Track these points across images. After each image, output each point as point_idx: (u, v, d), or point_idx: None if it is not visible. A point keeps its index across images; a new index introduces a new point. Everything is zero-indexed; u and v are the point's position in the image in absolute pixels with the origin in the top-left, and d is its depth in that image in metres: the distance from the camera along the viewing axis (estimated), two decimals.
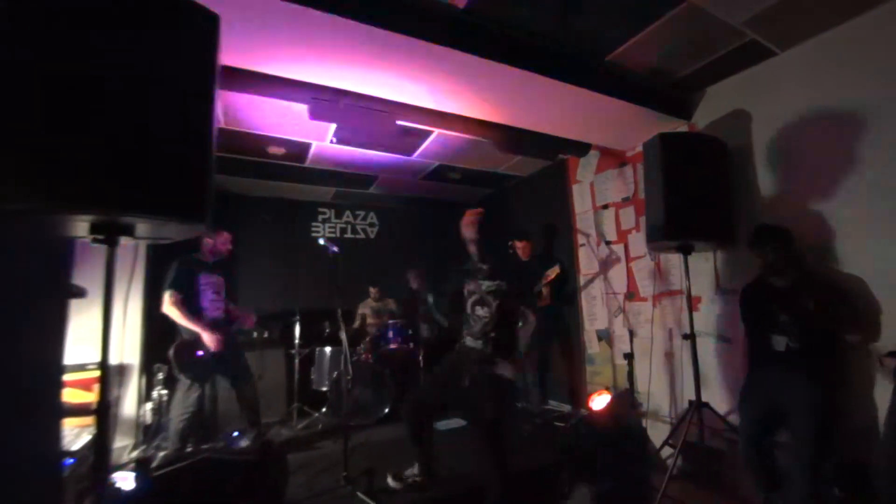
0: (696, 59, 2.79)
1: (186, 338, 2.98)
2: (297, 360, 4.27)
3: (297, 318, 4.28)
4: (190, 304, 3.00)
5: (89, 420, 2.62)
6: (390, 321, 4.57)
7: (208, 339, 2.96)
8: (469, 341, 2.45)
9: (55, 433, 1.79)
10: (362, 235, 6.07)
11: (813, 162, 2.58)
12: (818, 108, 2.56)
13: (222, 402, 3.53)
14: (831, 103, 2.50)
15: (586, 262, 4.21)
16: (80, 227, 1.17)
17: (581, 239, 4.29)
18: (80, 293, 1.91)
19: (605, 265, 3.99)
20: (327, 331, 4.38)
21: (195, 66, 1.23)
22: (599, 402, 3.29)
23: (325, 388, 4.22)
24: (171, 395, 3.33)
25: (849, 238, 2.40)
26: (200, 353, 2.97)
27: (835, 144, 2.47)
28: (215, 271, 3.24)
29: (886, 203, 2.24)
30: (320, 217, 5.79)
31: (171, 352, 2.92)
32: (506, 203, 5.55)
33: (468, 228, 2.41)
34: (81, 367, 2.98)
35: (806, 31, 2.52)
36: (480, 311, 2.41)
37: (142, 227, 1.21)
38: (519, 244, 4.09)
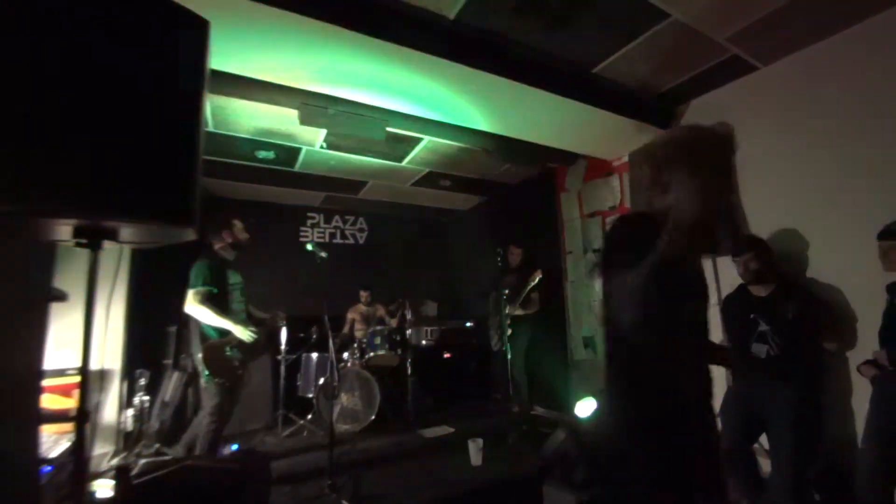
0: (680, 73, 2.86)
1: (214, 340, 2.76)
2: (283, 367, 4.23)
3: (284, 323, 4.24)
4: (220, 304, 2.78)
5: (68, 426, 2.56)
6: (377, 327, 4.55)
7: (242, 333, 2.76)
8: None
9: (33, 440, 1.75)
10: (351, 241, 6.05)
11: (792, 174, 2.65)
12: (797, 122, 2.63)
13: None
14: (810, 117, 2.57)
15: (574, 270, 4.25)
16: (63, 231, 1.15)
17: (568, 246, 4.34)
18: (61, 297, 1.88)
19: (592, 272, 4.03)
20: (314, 337, 4.34)
21: (184, 71, 1.23)
22: (585, 408, 3.30)
23: (311, 395, 4.19)
24: (178, 400, 3.20)
25: (826, 249, 2.47)
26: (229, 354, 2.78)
27: (813, 158, 2.54)
28: (238, 270, 3.02)
29: (861, 216, 2.30)
30: (309, 222, 5.77)
31: (199, 355, 2.70)
32: (496, 211, 5.59)
33: None
34: (61, 373, 2.90)
35: (787, 47, 2.60)
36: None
37: (126, 232, 1.20)
38: (511, 250, 4.13)
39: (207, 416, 2.75)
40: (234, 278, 2.97)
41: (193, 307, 2.73)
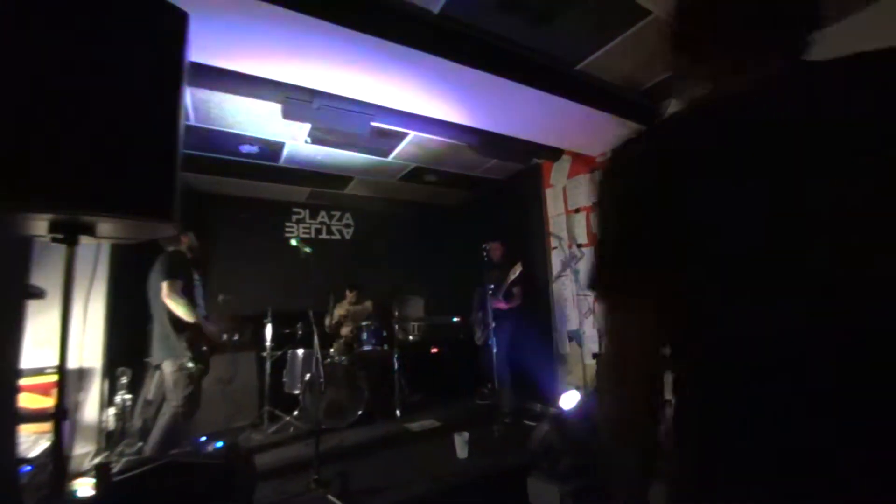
0: (663, 70, 2.89)
1: (192, 330, 2.84)
2: (268, 363, 4.21)
3: (269, 319, 4.21)
4: (190, 297, 2.87)
5: (48, 426, 2.52)
6: (363, 322, 4.54)
7: (212, 329, 2.89)
8: None
9: (11, 439, 1.72)
10: (337, 236, 6.02)
11: None
12: None
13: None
14: None
15: (559, 265, 4.30)
16: (39, 225, 1.13)
17: (553, 242, 4.38)
18: (38, 294, 1.85)
19: (576, 267, 4.08)
20: (300, 333, 4.33)
21: (162, 63, 1.21)
22: (569, 400, 3.36)
23: (297, 391, 4.17)
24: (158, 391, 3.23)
25: None
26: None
27: None
28: (198, 270, 3.11)
29: None
30: (294, 217, 5.71)
31: (183, 343, 2.78)
32: (482, 206, 5.61)
33: None
34: (40, 371, 2.85)
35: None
36: None
37: (104, 227, 1.18)
38: (493, 246, 4.16)
39: (177, 407, 2.78)
40: (197, 275, 3.07)
41: (169, 297, 2.76)
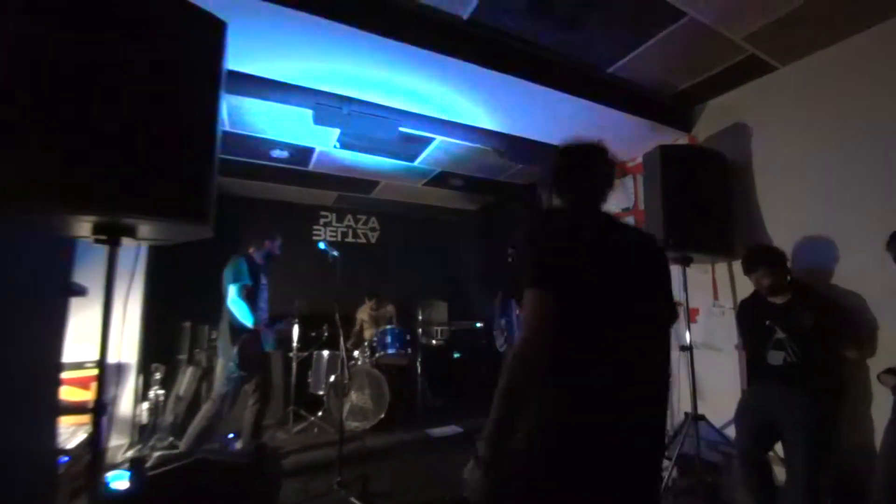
0: (696, 73, 2.82)
1: (247, 335, 2.92)
2: (294, 364, 4.27)
3: (296, 321, 4.28)
4: (252, 302, 2.96)
5: (85, 418, 2.62)
6: (388, 326, 4.56)
7: (271, 334, 2.99)
8: None
9: (51, 431, 1.79)
10: (363, 240, 6.08)
11: (811, 177, 2.59)
12: (816, 124, 2.58)
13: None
14: (829, 119, 2.51)
15: None
16: (83, 227, 1.18)
17: None
18: (80, 291, 1.92)
19: None
20: (325, 335, 4.38)
21: (202, 71, 1.25)
22: None
23: (321, 392, 4.22)
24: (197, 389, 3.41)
25: (847, 254, 2.41)
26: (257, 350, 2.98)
27: (833, 160, 2.49)
28: (266, 273, 3.22)
29: (884, 219, 2.24)
30: (321, 221, 5.81)
31: (235, 349, 2.85)
32: (507, 211, 5.57)
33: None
34: (79, 365, 2.97)
35: (805, 48, 2.55)
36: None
37: (144, 229, 1.22)
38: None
39: (210, 402, 2.89)
40: (264, 279, 3.16)
41: (236, 302, 2.88)
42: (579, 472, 0.99)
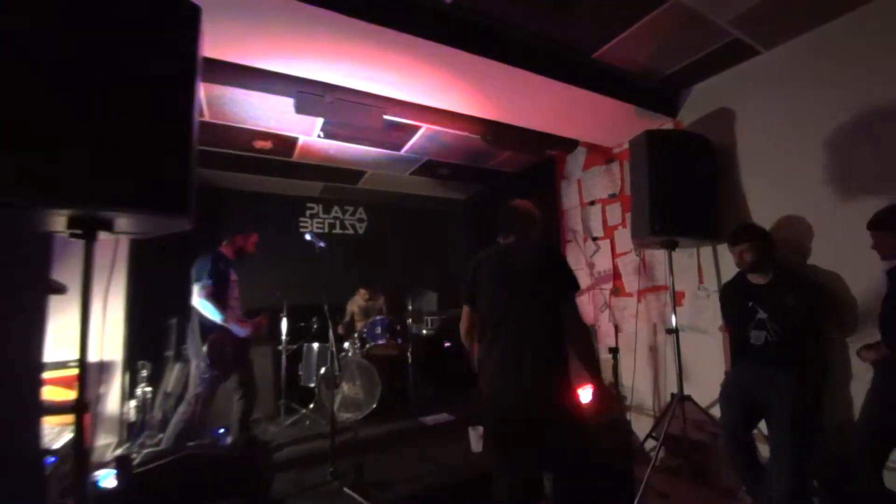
0: (681, 57, 2.81)
1: (216, 333, 2.88)
2: (284, 357, 4.25)
3: (285, 313, 4.25)
4: (221, 298, 2.92)
5: (71, 418, 2.58)
6: (378, 317, 4.55)
7: (242, 328, 2.94)
8: None
9: (35, 431, 1.76)
10: (351, 231, 6.04)
11: (793, 161, 2.62)
12: (800, 108, 2.60)
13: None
14: (813, 103, 2.54)
15: (574, 258, 4.25)
16: (58, 221, 1.15)
17: (568, 235, 4.33)
18: (59, 289, 1.87)
19: (592, 261, 4.03)
20: (315, 327, 4.36)
21: (175, 59, 1.21)
22: (584, 395, 3.32)
23: (312, 385, 4.21)
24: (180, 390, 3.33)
25: (826, 235, 2.46)
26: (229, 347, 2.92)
27: (815, 144, 2.52)
28: (236, 269, 3.17)
29: (862, 201, 2.28)
30: (308, 212, 5.74)
31: (205, 348, 2.81)
32: (495, 199, 5.56)
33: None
34: (63, 365, 2.92)
35: (790, 31, 2.56)
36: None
37: (121, 222, 1.19)
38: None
39: (184, 404, 2.87)
40: (235, 276, 3.12)
41: (200, 301, 2.85)
42: (491, 387, 1.80)
